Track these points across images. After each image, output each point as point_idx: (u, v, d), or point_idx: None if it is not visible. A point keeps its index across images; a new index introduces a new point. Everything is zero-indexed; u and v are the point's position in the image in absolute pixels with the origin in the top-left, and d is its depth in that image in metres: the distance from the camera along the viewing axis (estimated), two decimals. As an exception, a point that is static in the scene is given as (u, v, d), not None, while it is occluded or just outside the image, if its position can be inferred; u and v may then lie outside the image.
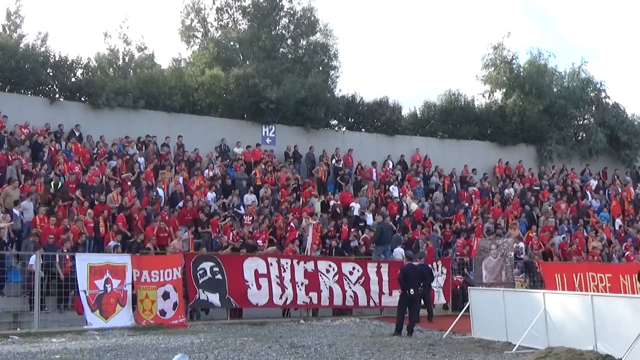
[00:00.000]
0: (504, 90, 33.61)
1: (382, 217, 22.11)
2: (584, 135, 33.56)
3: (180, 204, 21.18)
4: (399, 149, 29.52)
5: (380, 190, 25.76)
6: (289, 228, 21.34)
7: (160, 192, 21.63)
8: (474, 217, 25.11)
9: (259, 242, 20.29)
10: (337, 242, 21.36)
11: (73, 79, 25.62)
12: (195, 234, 19.93)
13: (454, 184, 27.90)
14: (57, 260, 16.30)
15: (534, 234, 24.56)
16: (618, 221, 27.27)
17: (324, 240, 21.46)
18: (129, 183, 21.50)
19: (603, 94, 34.20)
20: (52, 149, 21.76)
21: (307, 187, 24.36)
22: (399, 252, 21.08)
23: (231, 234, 20.28)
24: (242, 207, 22.26)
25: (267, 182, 24.02)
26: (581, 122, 34.15)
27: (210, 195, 22.27)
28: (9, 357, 11.41)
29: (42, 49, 25.71)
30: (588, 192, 29.53)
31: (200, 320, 17.31)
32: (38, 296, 15.24)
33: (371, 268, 19.03)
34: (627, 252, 24.10)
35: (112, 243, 18.05)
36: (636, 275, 16.33)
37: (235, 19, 34.25)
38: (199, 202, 21.32)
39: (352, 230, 22.03)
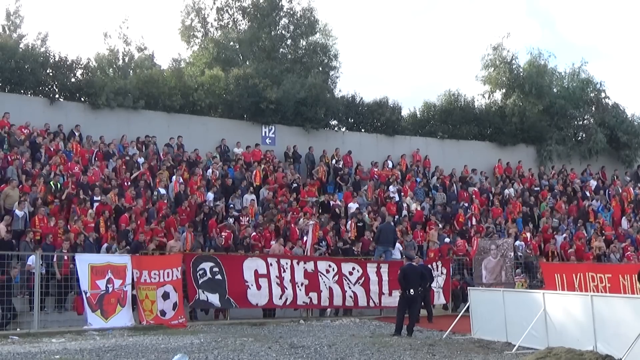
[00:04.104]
0: (504, 90, 33.61)
1: (382, 217, 22.06)
2: (584, 135, 33.54)
3: (184, 203, 21.13)
4: (399, 149, 29.48)
5: (380, 190, 25.75)
6: (290, 228, 21.33)
7: (162, 191, 21.60)
8: (474, 218, 25.08)
9: (260, 242, 20.28)
10: (336, 242, 21.33)
11: (73, 79, 25.56)
12: (196, 233, 19.87)
13: (454, 184, 27.90)
14: (56, 260, 16.30)
15: (532, 234, 24.57)
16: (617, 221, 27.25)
17: (323, 240, 21.43)
18: (128, 183, 21.47)
19: (603, 94, 34.21)
20: (52, 149, 21.74)
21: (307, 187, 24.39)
22: (396, 248, 21.10)
23: (231, 234, 20.26)
24: (241, 208, 22.23)
25: (267, 182, 23.99)
26: (581, 123, 34.13)
27: (210, 195, 22.26)
28: (9, 357, 11.41)
29: (42, 49, 25.65)
30: (588, 193, 29.53)
31: (200, 321, 17.31)
32: (38, 296, 15.25)
33: (371, 268, 19.02)
34: (627, 252, 24.08)
35: (107, 244, 17.95)
36: (636, 275, 16.28)
37: (235, 19, 34.27)
38: (207, 202, 21.30)
39: (343, 229, 22.01)
